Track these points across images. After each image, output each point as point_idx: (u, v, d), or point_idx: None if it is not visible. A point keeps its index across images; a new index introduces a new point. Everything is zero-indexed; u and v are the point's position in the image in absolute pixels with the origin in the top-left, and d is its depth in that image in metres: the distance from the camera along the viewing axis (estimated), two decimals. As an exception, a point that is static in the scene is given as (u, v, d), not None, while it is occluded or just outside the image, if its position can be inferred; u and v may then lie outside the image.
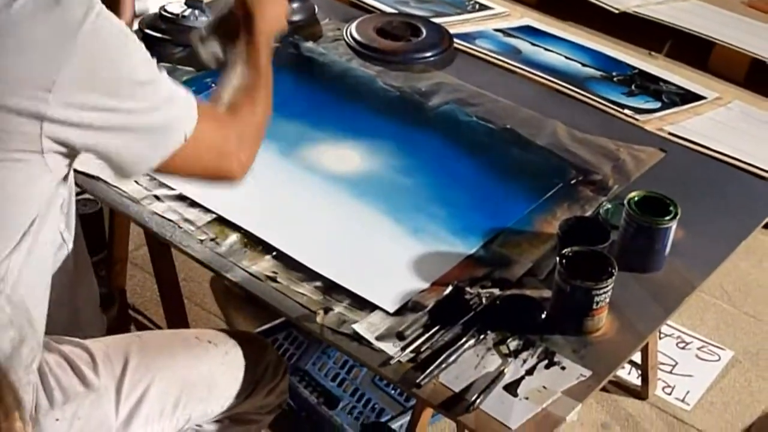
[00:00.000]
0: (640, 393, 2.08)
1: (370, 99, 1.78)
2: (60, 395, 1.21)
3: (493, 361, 1.24)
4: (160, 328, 2.06)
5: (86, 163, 1.52)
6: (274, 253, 1.40)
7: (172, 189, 1.50)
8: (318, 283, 1.35)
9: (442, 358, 1.23)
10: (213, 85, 1.74)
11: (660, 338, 2.19)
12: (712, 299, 2.35)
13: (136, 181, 1.52)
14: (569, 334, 1.28)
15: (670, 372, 2.14)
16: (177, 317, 1.94)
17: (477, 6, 2.23)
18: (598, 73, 1.98)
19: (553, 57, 2.03)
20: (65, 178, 1.17)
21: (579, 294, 1.26)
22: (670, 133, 1.76)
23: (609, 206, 1.51)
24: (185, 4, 1.90)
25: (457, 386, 1.20)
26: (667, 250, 1.40)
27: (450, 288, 1.35)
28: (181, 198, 1.49)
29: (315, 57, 1.90)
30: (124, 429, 1.26)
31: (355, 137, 1.66)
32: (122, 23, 1.09)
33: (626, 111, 1.82)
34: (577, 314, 1.28)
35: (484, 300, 1.33)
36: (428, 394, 1.20)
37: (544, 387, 1.21)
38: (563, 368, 1.24)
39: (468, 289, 1.34)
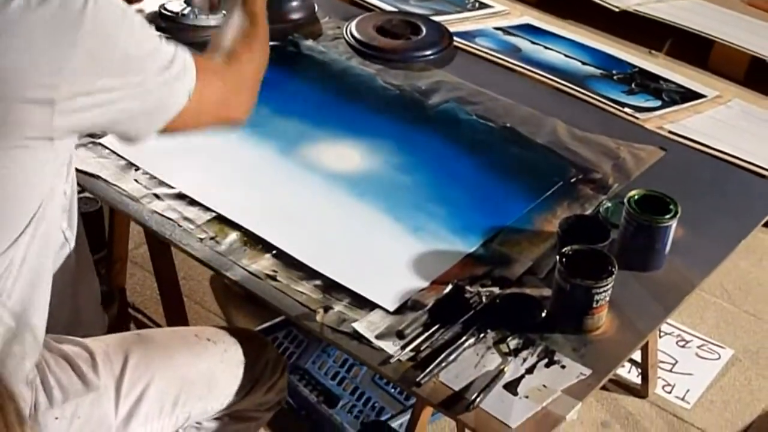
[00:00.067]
0: (640, 391, 2.08)
1: (370, 97, 1.78)
2: (59, 394, 1.21)
3: (493, 360, 1.24)
4: (159, 326, 2.06)
5: (86, 161, 1.53)
6: (274, 252, 1.40)
7: (172, 188, 1.50)
8: (318, 282, 1.35)
9: (442, 356, 1.23)
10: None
11: (660, 337, 2.19)
12: (712, 298, 2.35)
13: (135, 180, 1.52)
14: (569, 333, 1.28)
15: (670, 370, 2.15)
16: (177, 316, 1.95)
17: (477, 4, 2.23)
18: (598, 72, 1.98)
19: (553, 55, 2.03)
20: (69, 163, 1.18)
21: (579, 293, 1.26)
22: (670, 132, 1.76)
23: (609, 205, 1.51)
24: (185, 2, 1.90)
25: (457, 385, 1.20)
26: (667, 248, 1.40)
27: (450, 287, 1.34)
28: (181, 196, 1.49)
29: (315, 55, 1.90)
30: (124, 427, 1.26)
31: (355, 136, 1.66)
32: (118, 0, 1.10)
33: (626, 109, 1.82)
34: (577, 313, 1.28)
35: (484, 299, 1.33)
36: (428, 393, 1.20)
37: (544, 386, 1.21)
38: (563, 367, 1.24)
39: (468, 287, 1.34)
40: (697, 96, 1.92)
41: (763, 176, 1.65)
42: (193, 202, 1.48)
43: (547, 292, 1.34)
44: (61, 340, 1.27)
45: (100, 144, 1.58)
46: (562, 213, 1.49)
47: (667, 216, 1.38)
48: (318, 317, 1.29)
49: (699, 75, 2.11)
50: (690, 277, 1.40)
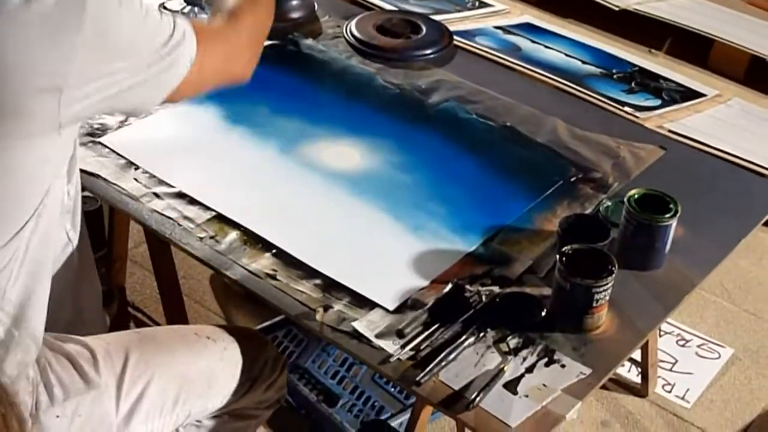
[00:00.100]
0: (640, 391, 2.08)
1: (370, 96, 1.78)
2: (60, 392, 1.21)
3: (493, 359, 1.24)
4: (159, 325, 2.06)
5: (86, 160, 1.53)
6: (274, 251, 1.40)
7: (172, 186, 1.50)
8: (317, 281, 1.35)
9: (441, 355, 1.23)
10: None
11: (660, 336, 2.19)
12: (712, 297, 2.35)
13: (135, 179, 1.52)
14: (569, 332, 1.28)
15: (670, 370, 2.15)
16: (176, 315, 1.95)
17: (477, 3, 2.22)
18: (598, 71, 1.98)
19: (553, 54, 2.03)
20: (73, 164, 1.19)
21: (579, 292, 1.26)
22: (670, 131, 1.76)
23: (609, 204, 1.51)
24: (184, 1, 1.90)
25: (456, 384, 1.20)
26: (667, 247, 1.40)
27: (450, 286, 1.34)
28: (181, 195, 1.49)
29: (314, 54, 1.90)
30: (125, 425, 1.27)
31: (355, 135, 1.66)
32: None
33: (626, 108, 1.82)
34: (577, 312, 1.28)
35: (483, 298, 1.33)
36: (428, 392, 1.20)
37: (544, 385, 1.21)
38: (563, 366, 1.23)
39: (468, 286, 1.34)
40: (697, 95, 1.92)
41: (763, 175, 1.65)
42: (192, 201, 1.48)
43: (547, 291, 1.34)
44: (62, 339, 1.27)
45: (100, 143, 1.59)
46: (562, 212, 1.49)
47: (667, 215, 1.38)
48: (318, 316, 1.29)
49: (699, 74, 2.11)
50: (690, 276, 1.40)
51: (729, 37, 2.79)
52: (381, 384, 1.96)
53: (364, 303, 1.32)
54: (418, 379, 1.20)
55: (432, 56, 1.92)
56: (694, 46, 2.82)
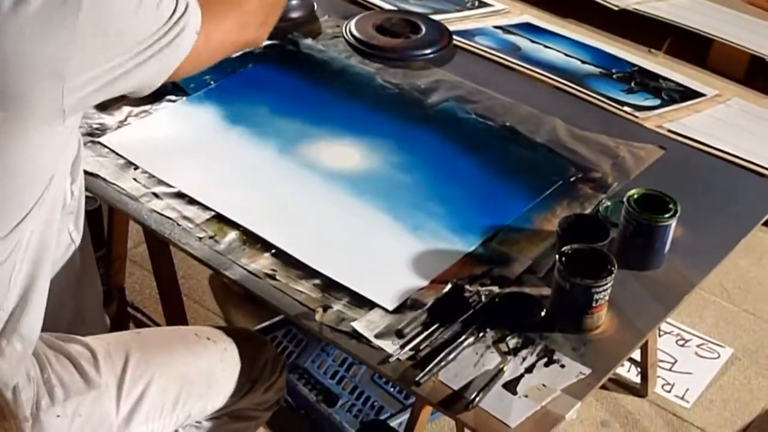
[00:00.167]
0: (639, 391, 2.08)
1: (369, 96, 1.78)
2: (61, 392, 1.21)
3: (493, 359, 1.24)
4: (159, 325, 2.06)
5: (85, 160, 1.53)
6: (273, 251, 1.40)
7: (171, 186, 1.50)
8: (317, 281, 1.35)
9: (441, 356, 1.23)
10: (212, 82, 1.75)
11: (659, 336, 2.19)
12: (711, 297, 2.35)
13: (134, 179, 1.52)
14: (569, 332, 1.28)
15: (670, 369, 2.15)
16: (176, 315, 1.94)
17: (476, 3, 2.22)
18: (598, 71, 1.98)
19: (553, 54, 2.03)
20: (77, 164, 1.20)
21: (578, 292, 1.26)
22: (669, 131, 1.76)
23: (608, 204, 1.51)
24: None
25: (456, 384, 1.20)
26: (667, 247, 1.40)
27: (449, 286, 1.34)
28: (180, 195, 1.49)
29: (314, 54, 1.89)
30: (125, 426, 1.27)
31: (354, 134, 1.66)
32: None
33: (626, 108, 1.82)
34: (576, 312, 1.28)
35: (483, 298, 1.33)
36: (427, 392, 1.20)
37: (544, 385, 1.21)
38: (563, 366, 1.23)
39: (467, 286, 1.34)
40: (696, 95, 1.92)
41: (762, 175, 1.65)
42: (192, 201, 1.48)
43: (546, 291, 1.33)
44: (63, 339, 1.27)
45: (99, 143, 1.58)
46: (561, 212, 1.49)
47: (667, 215, 1.38)
48: (317, 316, 1.29)
49: (698, 74, 2.11)
50: (689, 276, 1.40)
51: (729, 37, 2.79)
52: (380, 384, 1.96)
53: (363, 303, 1.32)
54: (417, 379, 1.20)
55: (431, 56, 1.92)
56: (693, 46, 2.82)
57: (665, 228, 1.38)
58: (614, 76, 1.96)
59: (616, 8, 2.88)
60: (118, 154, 1.57)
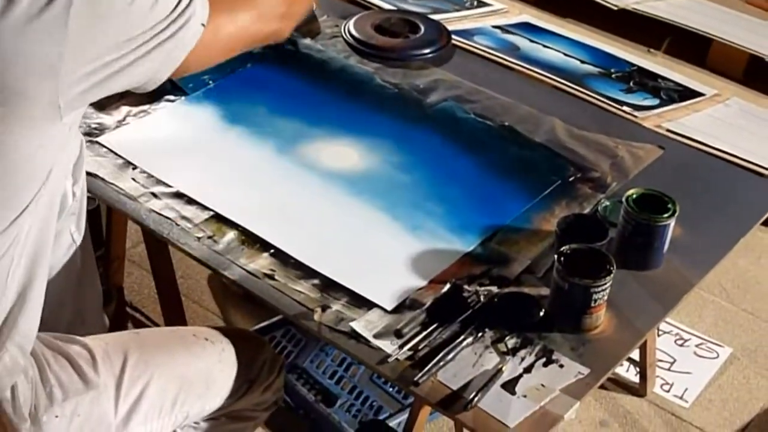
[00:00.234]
0: (638, 390, 2.08)
1: (368, 96, 1.78)
2: (59, 392, 1.21)
3: (491, 359, 1.24)
4: (157, 325, 2.06)
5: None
6: (272, 251, 1.40)
7: (170, 186, 1.50)
8: (316, 281, 1.35)
9: (440, 356, 1.23)
10: (211, 82, 1.75)
11: (658, 335, 2.19)
12: (710, 296, 2.35)
13: (133, 179, 1.52)
14: (567, 332, 1.28)
15: (669, 369, 2.15)
16: (175, 315, 1.94)
17: (475, 2, 2.22)
18: (597, 70, 1.97)
19: (552, 54, 2.03)
20: (80, 165, 1.20)
21: (577, 291, 1.26)
22: (668, 130, 1.76)
23: (607, 203, 1.51)
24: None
25: (455, 384, 1.20)
26: (666, 247, 1.40)
27: (448, 286, 1.34)
28: (179, 195, 1.49)
29: (313, 54, 1.89)
30: (124, 426, 1.26)
31: (353, 134, 1.66)
32: None
33: (625, 108, 1.82)
34: (575, 312, 1.28)
35: (482, 298, 1.33)
36: (426, 392, 1.20)
37: (543, 385, 1.21)
38: (561, 366, 1.23)
39: (466, 286, 1.34)
40: (695, 94, 1.92)
41: (761, 175, 1.65)
42: (190, 201, 1.48)
43: (545, 291, 1.33)
44: (61, 339, 1.27)
45: (98, 143, 1.58)
46: (560, 212, 1.49)
47: (666, 215, 1.38)
48: (316, 316, 1.29)
49: (697, 73, 2.11)
50: (688, 276, 1.40)
51: (728, 37, 2.79)
52: (379, 384, 1.96)
53: (362, 303, 1.31)
54: (416, 379, 1.20)
55: (430, 56, 1.92)
56: (692, 46, 2.83)
57: (664, 228, 1.38)
58: (613, 75, 1.96)
59: (615, 8, 2.88)
60: (116, 153, 1.57)
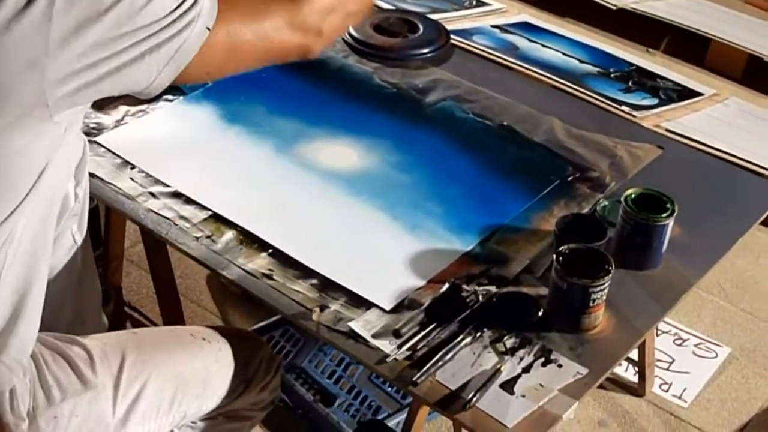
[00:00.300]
0: (637, 390, 2.08)
1: (367, 96, 1.78)
2: (58, 392, 1.21)
3: (490, 359, 1.24)
4: (156, 325, 2.06)
5: (82, 160, 1.52)
6: (270, 251, 1.39)
7: (168, 186, 1.50)
8: (314, 281, 1.35)
9: (438, 355, 1.23)
10: (209, 81, 1.74)
11: (657, 335, 2.19)
12: (709, 296, 2.35)
13: (131, 178, 1.51)
14: (566, 332, 1.28)
15: (667, 369, 2.14)
16: (173, 315, 1.94)
17: (474, 2, 2.22)
18: (596, 70, 1.97)
19: (551, 53, 2.02)
20: (82, 166, 1.18)
21: (576, 291, 1.26)
22: (667, 130, 1.76)
23: (606, 203, 1.50)
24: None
25: (453, 384, 1.20)
26: (664, 247, 1.40)
27: (446, 285, 1.34)
28: (177, 195, 1.49)
29: (311, 53, 1.89)
30: (122, 426, 1.26)
31: (352, 134, 1.66)
32: None
33: (623, 107, 1.82)
34: (573, 312, 1.28)
35: (480, 297, 1.33)
36: (425, 392, 1.20)
37: (541, 385, 1.21)
38: (560, 366, 1.23)
39: (465, 286, 1.34)
40: (694, 94, 1.92)
41: (760, 174, 1.65)
42: (189, 201, 1.48)
43: (543, 291, 1.33)
44: (60, 339, 1.27)
45: (96, 142, 1.58)
46: (559, 211, 1.49)
47: (664, 214, 1.38)
48: (314, 316, 1.29)
49: (696, 73, 2.11)
50: (687, 276, 1.40)
51: (726, 36, 2.79)
52: (378, 384, 1.96)
53: (360, 303, 1.31)
54: (414, 379, 1.20)
55: (429, 55, 1.91)
56: (691, 45, 2.83)
57: (663, 227, 1.38)
58: (612, 75, 1.96)
59: (614, 7, 2.88)
60: (114, 153, 1.57)
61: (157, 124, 1.65)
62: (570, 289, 1.26)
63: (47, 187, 1.13)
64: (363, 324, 1.28)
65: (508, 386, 1.20)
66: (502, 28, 2.11)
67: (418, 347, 1.24)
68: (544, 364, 1.23)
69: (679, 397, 2.08)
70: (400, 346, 1.24)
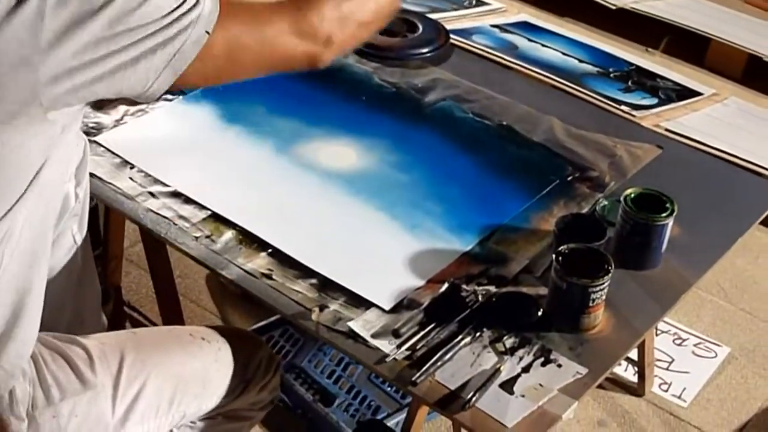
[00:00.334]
0: (636, 390, 2.08)
1: (367, 95, 1.77)
2: (57, 392, 1.21)
3: (489, 359, 1.24)
4: (155, 324, 2.06)
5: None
6: (270, 251, 1.39)
7: (167, 186, 1.50)
8: (313, 281, 1.35)
9: (437, 355, 1.22)
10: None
11: (656, 335, 2.19)
12: (708, 296, 2.35)
13: (130, 178, 1.51)
14: (565, 332, 1.28)
15: (667, 369, 2.14)
16: (172, 314, 1.94)
17: (474, 1, 2.22)
18: (595, 70, 1.97)
19: (550, 53, 2.03)
20: (84, 167, 1.17)
21: (575, 291, 1.26)
22: (666, 130, 1.76)
23: (605, 203, 1.50)
24: None
25: (453, 384, 1.20)
26: (664, 247, 1.40)
27: (446, 285, 1.34)
28: (176, 195, 1.49)
29: (311, 53, 1.89)
30: (121, 426, 1.26)
31: (351, 134, 1.66)
32: None
33: (623, 107, 1.82)
34: (573, 311, 1.27)
35: (480, 297, 1.32)
36: (424, 392, 1.20)
37: (541, 385, 1.20)
38: (559, 366, 1.23)
39: (464, 286, 1.34)
40: (693, 94, 1.92)
41: (759, 174, 1.65)
42: (188, 201, 1.48)
43: (543, 290, 1.33)
44: (59, 338, 1.27)
45: (95, 142, 1.58)
46: (558, 211, 1.49)
47: (664, 214, 1.38)
48: (314, 316, 1.29)
49: (696, 73, 2.11)
50: (686, 276, 1.40)
51: (726, 36, 2.80)
52: (377, 383, 1.96)
53: (359, 303, 1.31)
54: (414, 379, 1.20)
55: (428, 55, 1.91)
56: (691, 45, 2.83)
57: (662, 227, 1.38)
58: (611, 75, 1.96)
59: (614, 7, 2.88)
60: (114, 153, 1.56)
61: (156, 123, 1.65)
62: (569, 288, 1.26)
63: (45, 186, 1.13)
64: (362, 324, 1.28)
65: (508, 386, 1.20)
66: (501, 27, 2.11)
67: (418, 347, 1.24)
68: (543, 364, 1.23)
69: (679, 397, 2.08)
70: (399, 346, 1.24)
